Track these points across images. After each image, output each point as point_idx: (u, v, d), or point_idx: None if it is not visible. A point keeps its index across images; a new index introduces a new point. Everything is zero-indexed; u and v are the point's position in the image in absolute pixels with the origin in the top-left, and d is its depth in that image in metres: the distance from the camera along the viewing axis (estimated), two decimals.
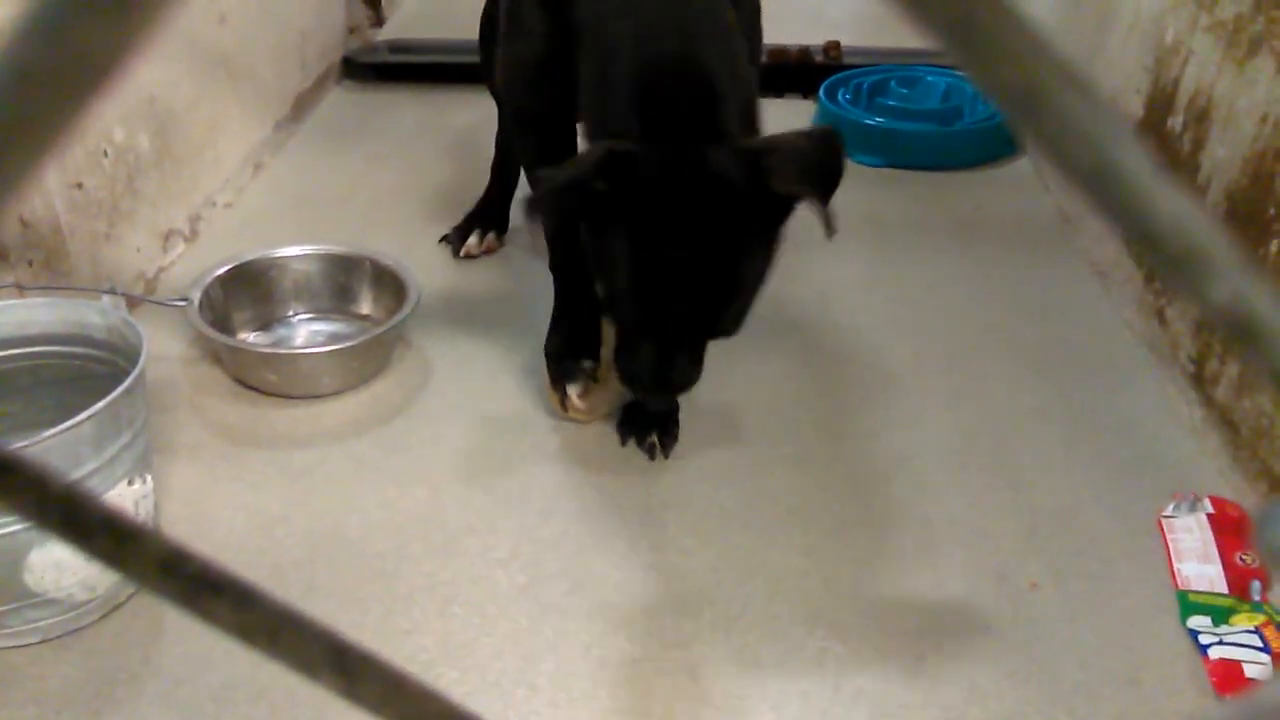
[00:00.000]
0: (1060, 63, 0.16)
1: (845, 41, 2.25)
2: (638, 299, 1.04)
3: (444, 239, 1.66)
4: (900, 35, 2.36)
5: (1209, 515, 1.14)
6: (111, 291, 1.08)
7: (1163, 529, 1.14)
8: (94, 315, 1.06)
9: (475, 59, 1.62)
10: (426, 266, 1.49)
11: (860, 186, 1.86)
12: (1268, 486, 1.14)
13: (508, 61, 1.26)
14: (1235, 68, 1.25)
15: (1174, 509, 1.16)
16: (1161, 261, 0.17)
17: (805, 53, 2.21)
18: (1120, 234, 0.17)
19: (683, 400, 1.33)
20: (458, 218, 1.70)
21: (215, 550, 1.09)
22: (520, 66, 1.24)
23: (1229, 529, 1.13)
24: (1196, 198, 1.31)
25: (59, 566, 0.94)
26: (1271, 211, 1.16)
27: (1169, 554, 1.11)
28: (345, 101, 2.16)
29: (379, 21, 2.39)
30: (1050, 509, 1.17)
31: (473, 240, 1.64)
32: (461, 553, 1.10)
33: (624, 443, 1.26)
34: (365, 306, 1.45)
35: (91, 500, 0.19)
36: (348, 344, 1.32)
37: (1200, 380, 1.29)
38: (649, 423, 1.26)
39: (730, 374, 1.38)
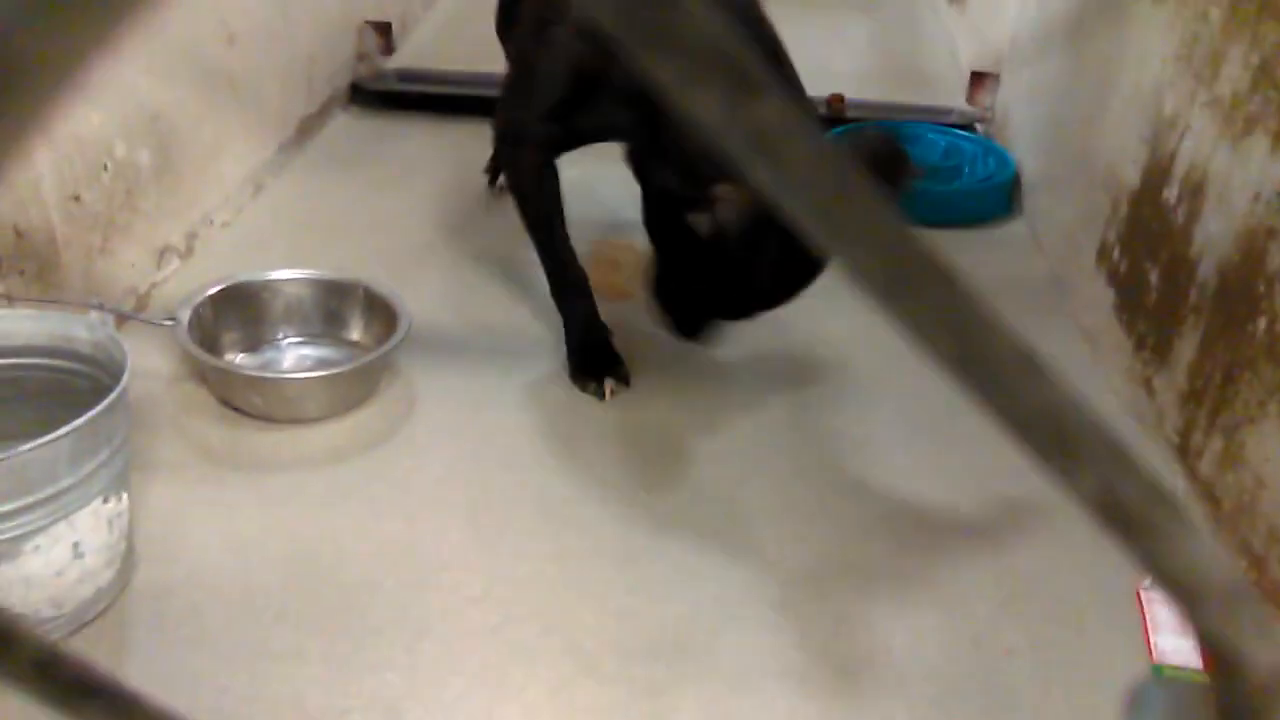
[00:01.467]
0: (927, 251, 0.16)
1: (849, 95, 2.26)
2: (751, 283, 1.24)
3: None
4: (903, 92, 2.39)
5: None
6: (100, 307, 1.08)
7: (1141, 600, 1.14)
8: (80, 329, 1.06)
9: (484, 92, 1.64)
10: (419, 295, 1.49)
11: None
12: (1248, 562, 1.14)
13: (514, 167, 1.47)
14: (1230, 144, 1.26)
15: (1152, 581, 1.16)
16: (1031, 450, 0.17)
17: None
18: (991, 420, 0.17)
19: (663, 446, 1.33)
20: (457, 248, 1.71)
21: (185, 573, 1.09)
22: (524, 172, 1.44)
23: None
24: (1187, 268, 1.31)
25: (27, 582, 0.93)
26: (1261, 288, 1.16)
27: (1146, 626, 1.11)
28: (350, 127, 2.17)
29: (389, 49, 2.40)
30: (1029, 574, 1.16)
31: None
32: (434, 587, 1.09)
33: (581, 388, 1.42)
34: (355, 333, 1.45)
35: None
36: (334, 370, 1.31)
37: (1185, 452, 1.29)
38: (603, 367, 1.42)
39: (713, 422, 1.38)
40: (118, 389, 0.95)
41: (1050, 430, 0.17)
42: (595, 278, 1.47)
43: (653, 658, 1.03)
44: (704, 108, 0.14)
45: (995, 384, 0.16)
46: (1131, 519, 0.18)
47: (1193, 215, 1.33)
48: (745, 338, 1.56)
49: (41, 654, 0.19)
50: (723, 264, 1.23)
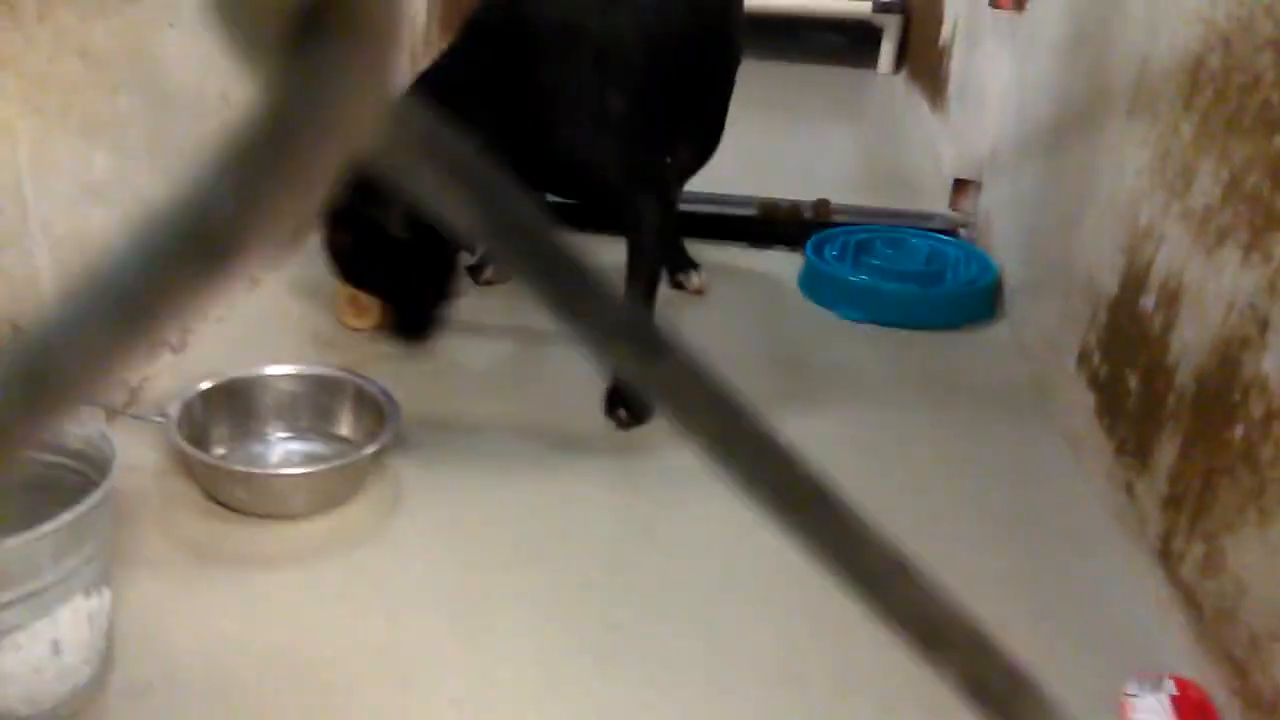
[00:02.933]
0: (813, 476, 0.19)
1: (835, 200, 2.32)
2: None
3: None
4: (887, 198, 2.44)
5: (1172, 697, 1.14)
6: (90, 403, 1.09)
7: (1125, 709, 1.13)
8: (70, 424, 1.07)
9: None
10: (410, 393, 1.51)
11: (839, 341, 1.90)
12: (1230, 669, 1.13)
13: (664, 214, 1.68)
14: (1204, 255, 1.29)
15: (1137, 688, 1.15)
16: (906, 640, 0.20)
17: (795, 209, 2.28)
18: (872, 617, 0.20)
19: (650, 537, 1.33)
20: (449, 347, 1.73)
21: (165, 668, 1.08)
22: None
23: (1192, 712, 1.12)
24: (1165, 375, 1.34)
25: (4, 679, 0.92)
26: (1237, 397, 1.18)
27: None
28: None
29: None
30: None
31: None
32: (414, 688, 1.08)
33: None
34: (344, 428, 1.46)
35: None
36: (320, 467, 1.32)
37: (1166, 557, 1.29)
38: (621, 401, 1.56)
39: (698, 515, 1.38)
40: (104, 485, 0.96)
41: (922, 624, 0.20)
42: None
43: None
44: (620, 366, 0.17)
45: (871, 584, 0.19)
46: (994, 698, 0.20)
47: (1169, 323, 1.36)
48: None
49: None
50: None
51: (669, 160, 1.70)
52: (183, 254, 0.15)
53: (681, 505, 1.41)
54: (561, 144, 1.52)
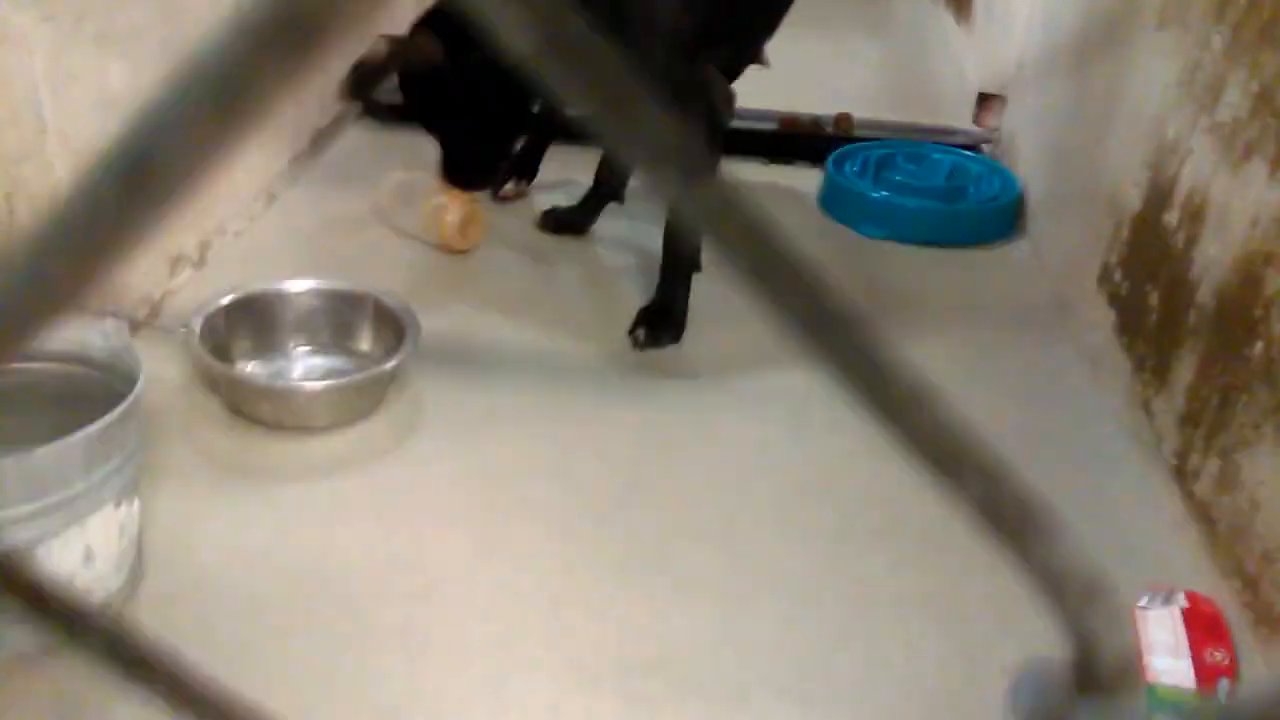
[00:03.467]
0: (840, 306, 0.19)
1: (856, 115, 2.28)
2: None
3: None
4: (910, 112, 2.41)
5: (1183, 610, 1.15)
6: (114, 314, 1.10)
7: (1136, 620, 1.15)
8: (95, 336, 1.08)
9: None
10: (430, 307, 1.51)
11: (860, 257, 1.89)
12: (1241, 583, 1.15)
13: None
14: (1230, 170, 1.27)
15: (1148, 601, 1.17)
16: (925, 465, 0.20)
17: (816, 123, 2.25)
18: (892, 441, 0.21)
19: (667, 460, 1.34)
20: (467, 260, 1.73)
21: (193, 581, 1.10)
22: None
23: (1202, 625, 1.14)
24: (1186, 291, 1.33)
25: None
26: (1258, 313, 1.18)
27: (1140, 646, 1.12)
28: (363, 140, 2.20)
29: None
30: (1026, 592, 1.17)
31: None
32: (438, 599, 1.10)
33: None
34: (365, 344, 1.47)
35: (54, 585, 0.21)
36: (343, 380, 1.33)
37: (1182, 474, 1.30)
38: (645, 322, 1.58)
39: (716, 436, 1.39)
40: (132, 396, 0.97)
41: (942, 449, 0.20)
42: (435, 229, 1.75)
43: (652, 673, 1.04)
44: (660, 188, 0.17)
45: (893, 411, 0.20)
46: (1007, 524, 0.21)
47: (1192, 239, 1.35)
48: (749, 351, 1.58)
49: (111, 631, 0.22)
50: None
51: (708, 65, 1.64)
52: (275, 31, 0.15)
53: (701, 424, 1.42)
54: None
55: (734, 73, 1.78)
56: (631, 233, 1.90)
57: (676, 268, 1.63)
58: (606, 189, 1.89)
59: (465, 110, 1.56)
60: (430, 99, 1.59)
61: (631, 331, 1.58)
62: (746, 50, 1.82)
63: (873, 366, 0.19)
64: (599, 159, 1.87)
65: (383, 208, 1.83)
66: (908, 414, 0.19)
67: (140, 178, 0.16)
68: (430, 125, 1.63)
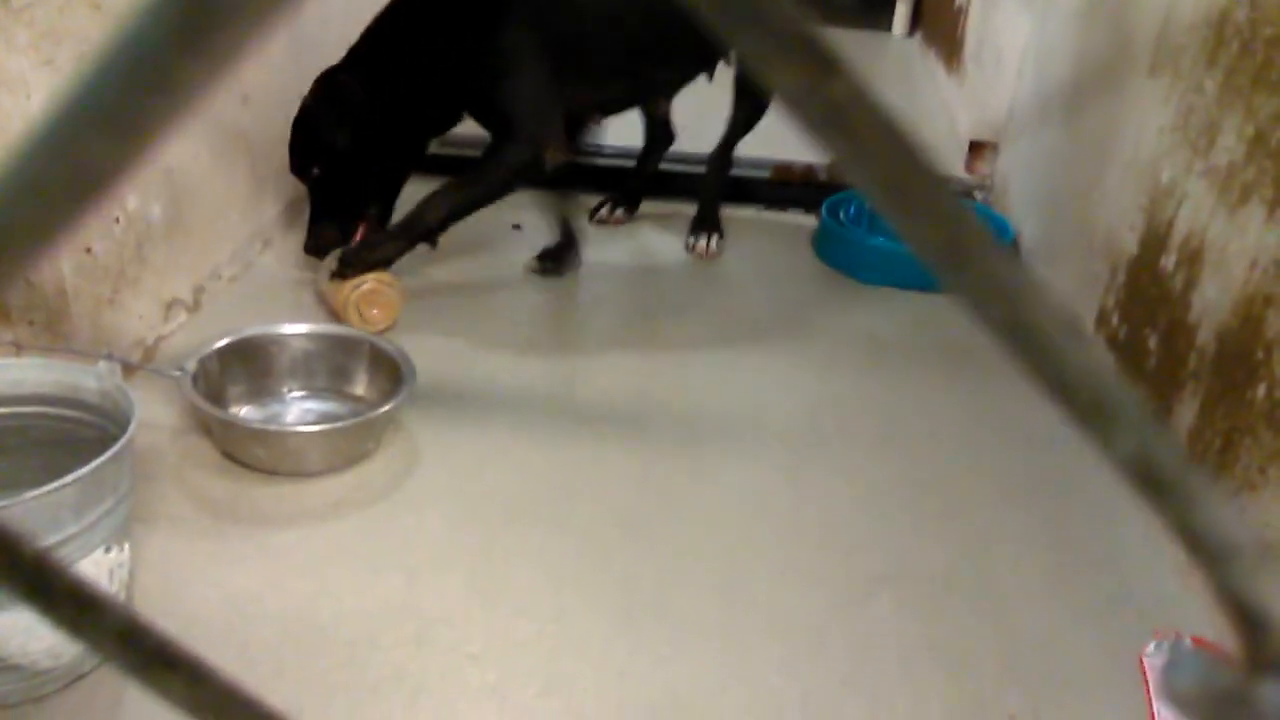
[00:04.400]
0: (980, 227, 0.17)
1: None
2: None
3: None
4: None
5: None
6: (108, 357, 1.09)
7: (1144, 668, 1.13)
8: (88, 379, 1.07)
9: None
10: (425, 352, 1.50)
11: (856, 303, 1.89)
12: None
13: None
14: (1227, 213, 1.28)
15: (1155, 648, 1.15)
16: (1072, 413, 0.18)
17: (810, 171, 2.26)
18: (1036, 384, 0.18)
19: (665, 504, 1.33)
20: (463, 305, 1.72)
21: (184, 625, 1.08)
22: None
23: None
24: (1185, 334, 1.33)
25: (28, 632, 0.93)
26: (1260, 355, 1.17)
27: (1148, 694, 1.10)
28: None
29: None
30: (1032, 639, 1.16)
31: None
32: (433, 644, 1.08)
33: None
34: (360, 388, 1.46)
35: (59, 567, 0.20)
36: (337, 425, 1.32)
37: None
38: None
39: (715, 479, 1.38)
40: (124, 438, 0.96)
41: (1090, 396, 0.18)
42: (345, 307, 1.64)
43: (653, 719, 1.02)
44: (785, 85, 0.15)
45: (1041, 350, 0.18)
46: (1162, 482, 0.19)
47: (1191, 282, 1.35)
48: (747, 394, 1.57)
49: (125, 624, 0.20)
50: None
51: (555, 107, 1.73)
52: (186, 23, 0.14)
53: (700, 467, 1.41)
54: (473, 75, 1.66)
55: (610, 111, 1.93)
56: (621, 269, 1.90)
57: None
58: (570, 226, 1.94)
59: (347, 155, 1.70)
60: (314, 143, 1.71)
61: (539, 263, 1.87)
62: (639, 93, 1.94)
63: (1015, 298, 0.17)
64: (553, 202, 1.93)
65: (320, 288, 1.73)
66: (1056, 355, 0.18)
67: (44, 189, 0.15)
68: (306, 172, 1.76)
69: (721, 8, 0.15)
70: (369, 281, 1.62)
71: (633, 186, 2.15)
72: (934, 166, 0.17)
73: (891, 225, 0.17)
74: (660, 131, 2.12)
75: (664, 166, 2.17)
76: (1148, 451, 0.19)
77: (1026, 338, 0.18)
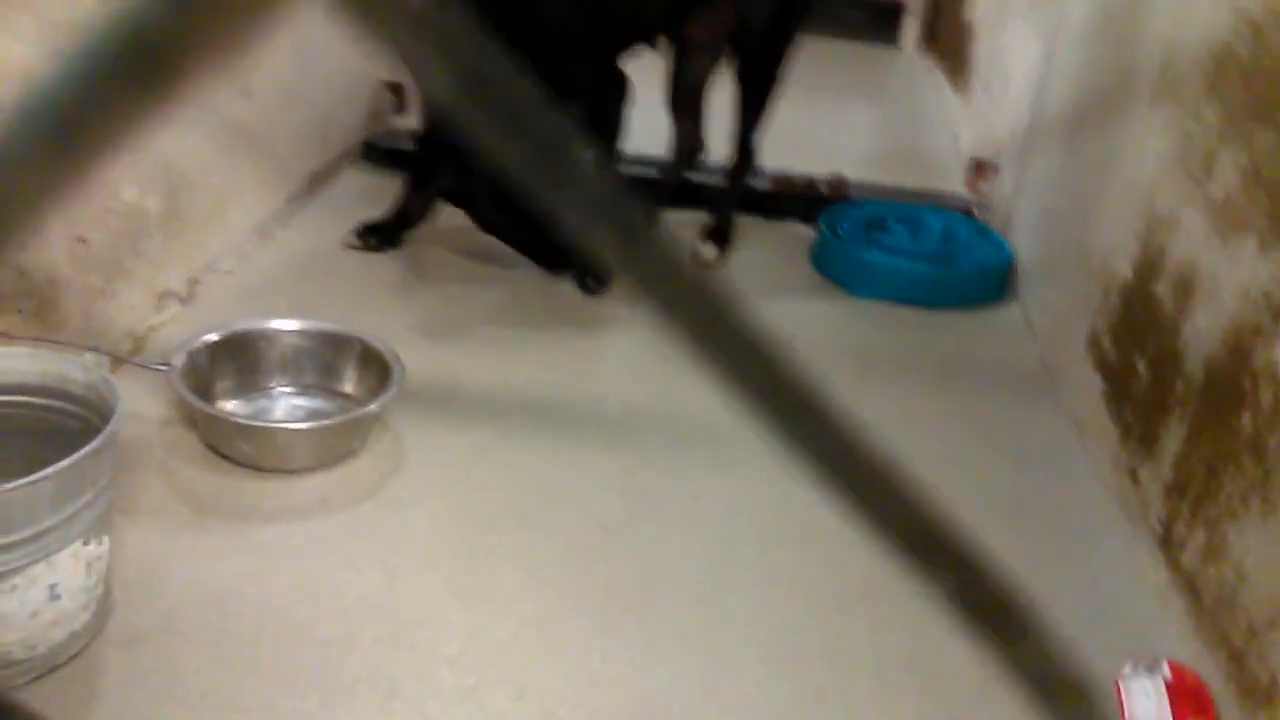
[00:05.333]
0: (802, 381, 0.18)
1: (852, 176, 2.30)
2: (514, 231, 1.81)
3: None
4: (904, 176, 2.43)
5: (1166, 681, 1.13)
6: (96, 350, 1.09)
7: (1119, 690, 1.13)
8: (74, 370, 1.07)
9: None
10: (415, 352, 1.50)
11: (850, 318, 1.89)
12: (1226, 656, 1.13)
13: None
14: (1220, 243, 1.28)
15: (1131, 670, 1.15)
16: (897, 553, 0.19)
17: (810, 183, 2.26)
18: (864, 528, 0.19)
19: (647, 510, 1.33)
20: (455, 307, 1.73)
21: (163, 618, 1.08)
22: None
23: (1185, 697, 1.12)
24: (1175, 361, 1.33)
25: (1, 622, 0.93)
26: (1246, 385, 1.17)
27: (1123, 716, 1.10)
28: (360, 183, 2.20)
29: (401, 108, 2.45)
30: None
31: None
32: (409, 645, 1.08)
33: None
34: (349, 385, 1.46)
35: None
36: (324, 422, 1.32)
37: (1168, 543, 1.29)
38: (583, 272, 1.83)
39: (698, 489, 1.38)
40: (105, 432, 0.96)
41: (912, 535, 0.19)
42: None
43: None
44: (602, 246, 0.16)
45: (866, 496, 0.18)
46: (986, 620, 0.19)
47: (1182, 310, 1.35)
48: (722, 408, 1.57)
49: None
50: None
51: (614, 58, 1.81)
52: (122, 69, 0.14)
53: (683, 475, 1.41)
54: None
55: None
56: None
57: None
58: (416, 207, 1.96)
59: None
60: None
61: (581, 285, 1.85)
62: (645, 35, 1.96)
63: (835, 444, 0.17)
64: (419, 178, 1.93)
65: None
66: (877, 495, 0.18)
67: None
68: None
69: (534, 172, 0.15)
70: None
71: (654, 196, 2.14)
72: (741, 317, 0.17)
73: (706, 372, 0.17)
74: (691, 144, 2.13)
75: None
76: (972, 589, 0.19)
77: (852, 486, 0.18)
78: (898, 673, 1.13)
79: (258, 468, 1.29)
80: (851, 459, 0.18)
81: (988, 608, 0.19)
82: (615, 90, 1.81)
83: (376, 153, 2.28)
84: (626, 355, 1.70)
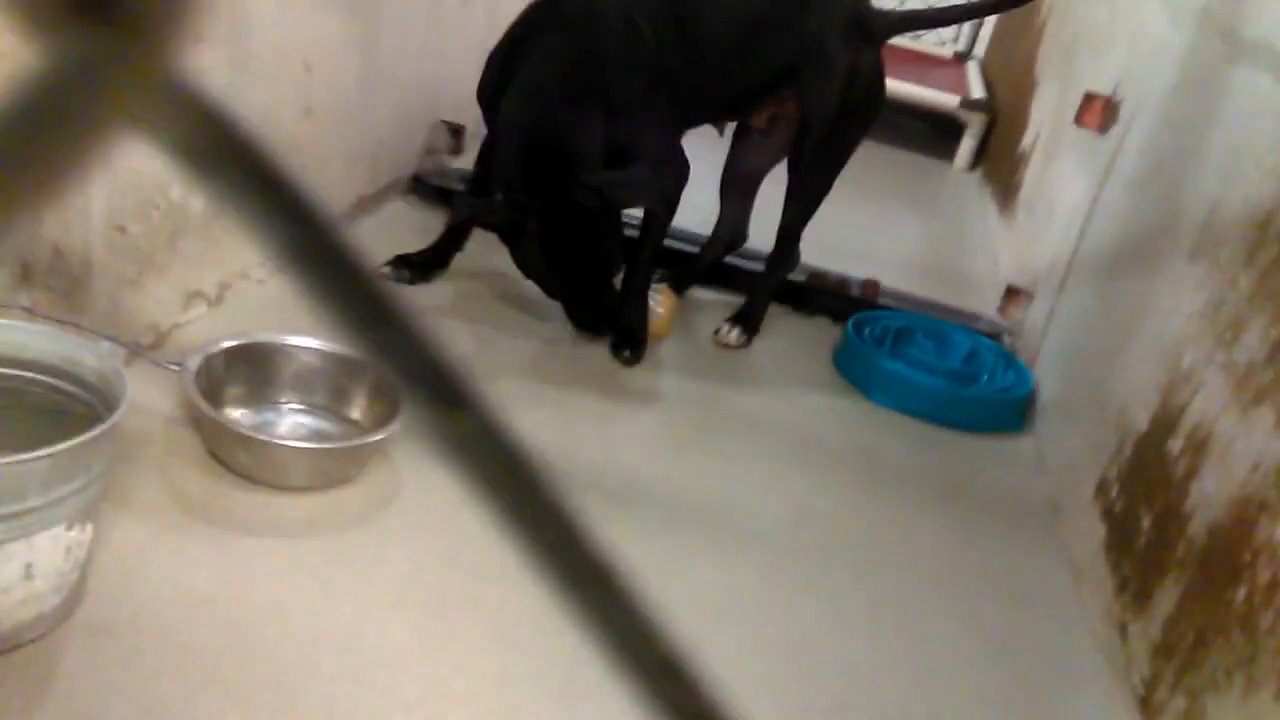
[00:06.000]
0: (600, 559, 0.18)
1: (885, 283, 2.31)
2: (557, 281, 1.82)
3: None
4: (937, 290, 2.43)
5: None
6: (113, 340, 1.11)
7: None
8: (89, 356, 1.08)
9: None
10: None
11: (863, 423, 1.89)
12: None
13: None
14: (1239, 411, 1.27)
15: None
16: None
17: (843, 284, 2.27)
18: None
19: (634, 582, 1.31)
20: (476, 347, 1.74)
21: (131, 615, 1.08)
22: None
23: None
24: (1179, 521, 1.32)
25: None
26: (1246, 558, 1.16)
27: None
28: (405, 214, 2.23)
29: (458, 150, 2.48)
30: None
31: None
32: (369, 685, 1.07)
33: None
34: (357, 412, 1.46)
35: None
36: (324, 445, 1.33)
37: (1148, 705, 1.26)
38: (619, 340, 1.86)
39: (685, 572, 1.37)
40: (108, 422, 0.97)
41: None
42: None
43: None
44: (420, 410, 0.17)
45: (652, 680, 0.19)
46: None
47: (1192, 471, 1.34)
48: (736, 491, 1.56)
49: None
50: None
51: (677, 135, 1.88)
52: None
53: (674, 560, 1.40)
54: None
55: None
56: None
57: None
58: (454, 244, 1.99)
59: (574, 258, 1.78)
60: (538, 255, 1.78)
61: (616, 353, 1.86)
62: (710, 118, 2.03)
63: (631, 626, 0.18)
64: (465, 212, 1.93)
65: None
66: (665, 681, 0.19)
67: None
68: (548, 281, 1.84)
69: (357, 329, 0.16)
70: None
71: (688, 271, 2.16)
72: (555, 495, 0.18)
73: (512, 541, 0.18)
74: (734, 229, 2.16)
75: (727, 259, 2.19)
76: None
77: (642, 667, 0.19)
78: None
79: (252, 479, 1.30)
80: (644, 641, 0.18)
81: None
82: (674, 167, 1.84)
83: (425, 188, 2.31)
84: (643, 429, 1.70)
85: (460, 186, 2.32)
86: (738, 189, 2.14)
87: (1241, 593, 1.15)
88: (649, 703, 0.19)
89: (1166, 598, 1.30)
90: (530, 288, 1.87)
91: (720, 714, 0.19)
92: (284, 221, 0.15)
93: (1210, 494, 1.28)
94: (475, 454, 0.17)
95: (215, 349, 1.38)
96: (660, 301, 1.96)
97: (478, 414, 0.17)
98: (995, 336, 2.25)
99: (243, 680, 1.04)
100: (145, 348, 1.43)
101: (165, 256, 1.49)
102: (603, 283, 1.82)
